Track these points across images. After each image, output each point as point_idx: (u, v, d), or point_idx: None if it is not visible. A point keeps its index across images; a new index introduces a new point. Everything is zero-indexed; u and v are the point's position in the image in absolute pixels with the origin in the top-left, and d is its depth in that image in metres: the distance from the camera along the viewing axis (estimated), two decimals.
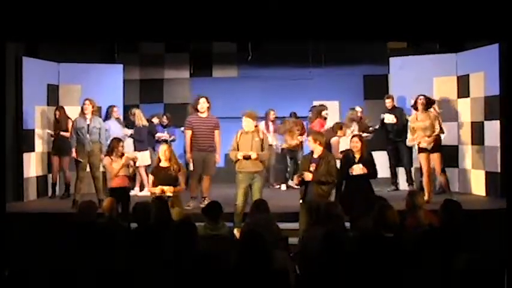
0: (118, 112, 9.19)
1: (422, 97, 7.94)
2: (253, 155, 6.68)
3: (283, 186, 9.77)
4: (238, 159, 6.76)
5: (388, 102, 8.92)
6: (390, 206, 4.55)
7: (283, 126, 9.60)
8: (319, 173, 6.20)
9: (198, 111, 7.84)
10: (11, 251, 5.10)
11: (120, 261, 4.18)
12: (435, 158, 7.71)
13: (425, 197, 7.15)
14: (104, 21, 5.28)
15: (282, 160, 9.99)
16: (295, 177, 6.43)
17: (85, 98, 8.06)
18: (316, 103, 10.21)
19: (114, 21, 5.30)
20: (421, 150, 7.79)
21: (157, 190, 6.38)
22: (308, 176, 6.20)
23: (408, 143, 8.08)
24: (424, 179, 7.76)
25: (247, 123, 6.82)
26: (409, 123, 8.04)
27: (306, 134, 9.16)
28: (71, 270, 4.08)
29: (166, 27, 5.44)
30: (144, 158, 9.07)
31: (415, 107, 7.99)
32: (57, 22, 5.25)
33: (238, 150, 6.80)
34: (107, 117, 8.95)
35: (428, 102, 7.93)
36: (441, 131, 7.83)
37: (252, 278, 3.62)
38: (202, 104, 7.80)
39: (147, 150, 9.19)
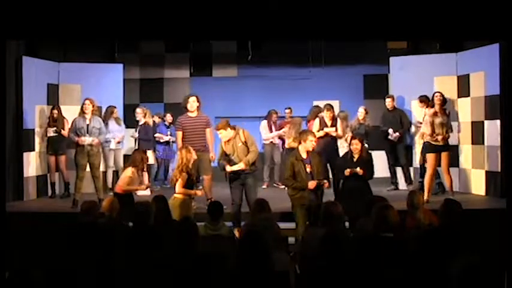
0: (117, 113, 9.18)
1: (439, 93, 7.94)
2: (240, 166, 6.58)
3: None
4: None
5: (389, 102, 8.89)
6: (390, 206, 4.55)
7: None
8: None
9: (188, 110, 7.67)
10: (11, 250, 5.09)
11: (120, 261, 4.18)
12: (445, 156, 7.70)
13: (425, 197, 7.15)
14: (105, 20, 5.27)
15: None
16: (311, 182, 6.21)
17: (85, 97, 8.04)
18: (316, 103, 10.21)
19: (114, 21, 5.29)
20: (430, 149, 7.73)
21: (200, 193, 6.60)
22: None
23: (429, 138, 7.71)
24: (427, 179, 7.72)
25: (223, 134, 6.67)
26: (426, 118, 7.87)
27: None
28: (70, 270, 4.08)
29: (166, 27, 5.43)
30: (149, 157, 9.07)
31: (431, 104, 7.98)
32: (57, 21, 5.23)
33: (226, 157, 6.72)
34: (106, 117, 8.94)
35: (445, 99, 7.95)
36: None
37: (251, 278, 3.62)
38: (192, 103, 7.59)
39: (151, 149, 9.18)
